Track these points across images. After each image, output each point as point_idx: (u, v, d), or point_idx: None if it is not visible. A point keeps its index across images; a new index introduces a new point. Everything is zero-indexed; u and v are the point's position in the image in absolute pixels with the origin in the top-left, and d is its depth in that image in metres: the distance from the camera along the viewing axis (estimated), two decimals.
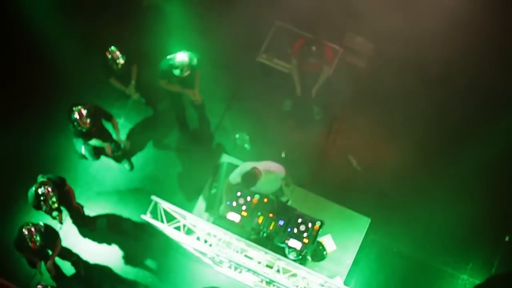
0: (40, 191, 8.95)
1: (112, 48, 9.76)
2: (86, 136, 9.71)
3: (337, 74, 10.39)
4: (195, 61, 9.64)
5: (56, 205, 9.07)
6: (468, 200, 10.03)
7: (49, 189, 8.98)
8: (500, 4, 10.69)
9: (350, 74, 10.67)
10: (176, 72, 9.51)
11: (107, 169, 10.60)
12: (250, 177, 8.32)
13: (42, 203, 8.97)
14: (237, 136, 10.57)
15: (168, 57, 9.59)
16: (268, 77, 10.79)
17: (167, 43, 10.19)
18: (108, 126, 10.04)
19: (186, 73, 9.55)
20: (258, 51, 10.63)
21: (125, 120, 10.85)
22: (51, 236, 9.27)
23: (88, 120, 9.39)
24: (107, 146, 10.02)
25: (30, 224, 8.92)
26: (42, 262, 9.29)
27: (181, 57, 9.46)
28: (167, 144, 10.74)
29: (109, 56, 9.75)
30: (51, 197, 8.98)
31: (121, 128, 10.67)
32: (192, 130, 10.82)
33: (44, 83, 11.04)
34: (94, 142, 9.89)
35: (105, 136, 9.95)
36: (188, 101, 10.35)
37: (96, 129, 9.67)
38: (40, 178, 9.18)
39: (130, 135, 10.78)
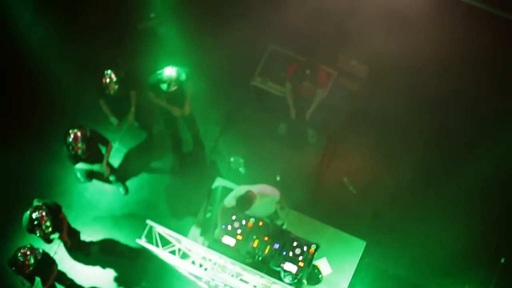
0: (34, 215, 8.92)
1: (108, 71, 9.75)
2: (79, 159, 9.70)
3: (331, 97, 10.43)
4: (183, 76, 9.72)
5: (50, 229, 9.04)
6: (464, 222, 10.03)
7: (43, 213, 8.94)
8: (494, 26, 10.78)
9: (344, 97, 10.69)
10: (164, 86, 9.61)
11: (102, 193, 10.59)
12: (245, 201, 8.31)
13: (36, 227, 8.94)
14: (232, 159, 10.57)
15: (158, 71, 9.69)
16: (263, 100, 10.81)
17: (162, 66, 10.22)
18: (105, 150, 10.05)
19: (174, 88, 9.64)
20: (252, 75, 10.66)
21: (119, 145, 10.86)
22: (47, 262, 9.23)
23: (84, 146, 9.37)
24: (106, 163, 9.95)
25: (27, 248, 8.89)
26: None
27: (169, 72, 9.57)
28: (161, 168, 10.74)
29: (105, 81, 9.75)
30: (45, 222, 8.94)
31: (116, 152, 10.69)
32: (186, 153, 10.82)
33: (41, 107, 11.05)
34: (86, 166, 9.88)
35: (100, 161, 9.92)
36: (182, 123, 10.39)
37: (91, 153, 9.66)
38: (36, 203, 9.15)
39: (125, 159, 10.77)
